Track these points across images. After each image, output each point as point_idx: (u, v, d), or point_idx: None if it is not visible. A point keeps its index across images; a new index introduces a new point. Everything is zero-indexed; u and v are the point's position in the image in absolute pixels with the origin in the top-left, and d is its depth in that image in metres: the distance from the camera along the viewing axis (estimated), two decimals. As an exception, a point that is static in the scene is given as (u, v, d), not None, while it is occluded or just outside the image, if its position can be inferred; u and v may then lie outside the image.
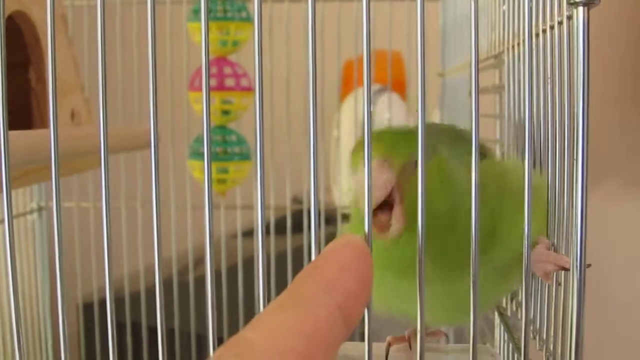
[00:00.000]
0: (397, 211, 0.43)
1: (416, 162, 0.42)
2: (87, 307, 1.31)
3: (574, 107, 0.35)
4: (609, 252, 1.21)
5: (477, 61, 0.36)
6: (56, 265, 1.16)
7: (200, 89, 1.04)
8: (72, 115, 0.81)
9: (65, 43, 0.83)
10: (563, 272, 0.45)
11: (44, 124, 0.76)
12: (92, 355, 1.26)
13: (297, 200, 1.27)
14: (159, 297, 0.40)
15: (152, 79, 0.38)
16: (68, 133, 0.71)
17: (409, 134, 0.45)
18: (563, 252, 0.46)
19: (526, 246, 0.37)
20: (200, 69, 1.07)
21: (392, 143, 0.44)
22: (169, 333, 1.26)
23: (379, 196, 0.41)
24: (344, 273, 0.32)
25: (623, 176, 1.23)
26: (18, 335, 0.41)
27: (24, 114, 0.76)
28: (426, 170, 0.42)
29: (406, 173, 0.43)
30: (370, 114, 0.36)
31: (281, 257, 1.18)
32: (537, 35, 0.48)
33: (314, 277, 0.32)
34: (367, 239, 0.36)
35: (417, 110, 0.37)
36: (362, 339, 0.37)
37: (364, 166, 0.36)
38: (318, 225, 0.37)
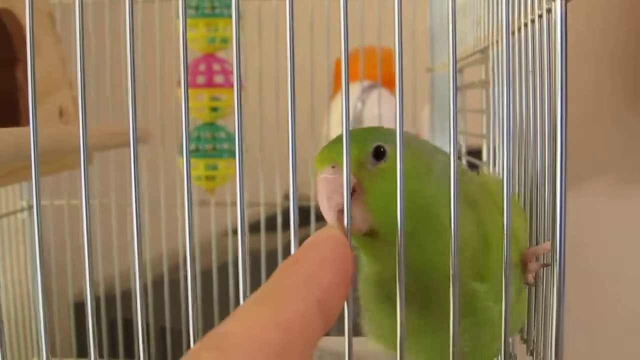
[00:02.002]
0: (357, 202, 0.41)
1: (376, 148, 0.42)
2: (79, 305, 1.31)
3: (553, 100, 0.35)
4: (601, 249, 1.21)
5: (455, 62, 0.36)
6: (50, 262, 1.15)
7: (190, 86, 1.04)
8: (60, 113, 0.81)
9: (53, 40, 0.83)
10: (544, 268, 0.45)
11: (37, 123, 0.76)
12: (84, 353, 1.26)
13: (288, 197, 1.27)
14: (139, 297, 0.40)
15: (130, 74, 0.38)
16: (56, 130, 0.71)
17: (358, 131, 0.45)
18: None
19: (506, 244, 0.37)
20: (188, 65, 1.07)
21: (337, 146, 0.42)
22: (161, 330, 1.26)
23: (339, 202, 0.39)
24: (323, 266, 0.32)
25: (615, 174, 1.23)
26: (1, 332, 0.41)
27: (11, 112, 0.76)
28: (391, 156, 0.42)
29: (364, 166, 0.42)
30: (348, 109, 0.37)
31: (272, 254, 1.18)
32: (519, 29, 0.48)
33: (293, 270, 0.32)
34: (347, 232, 0.36)
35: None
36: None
37: (343, 166, 0.36)
38: (299, 222, 0.37)
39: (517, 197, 0.51)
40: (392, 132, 0.44)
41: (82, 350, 1.26)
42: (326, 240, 0.34)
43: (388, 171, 0.41)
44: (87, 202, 0.39)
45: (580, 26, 1.18)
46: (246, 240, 0.39)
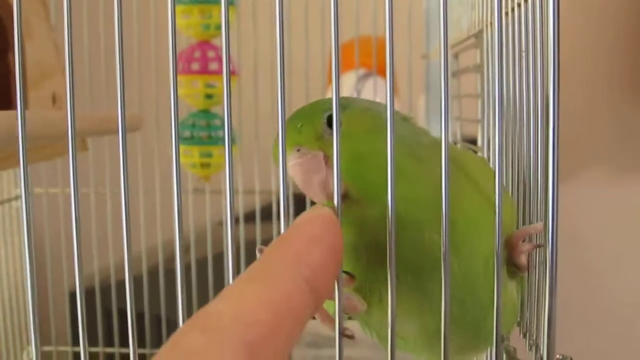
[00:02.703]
0: (329, 171, 0.41)
1: (329, 117, 0.42)
2: (75, 295, 1.30)
3: (546, 78, 0.35)
4: (598, 239, 1.21)
5: (447, 46, 0.36)
6: (45, 251, 1.14)
7: (185, 73, 1.04)
8: (54, 99, 0.80)
9: (46, 28, 0.82)
10: (537, 251, 0.45)
11: (25, 108, 0.76)
12: (79, 342, 1.25)
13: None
14: (128, 287, 0.39)
15: (119, 58, 0.37)
16: (48, 116, 0.71)
17: (307, 107, 0.45)
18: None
19: (497, 230, 0.36)
20: (183, 52, 1.06)
21: (291, 129, 0.43)
22: (156, 320, 1.26)
23: (320, 180, 0.41)
24: (312, 245, 0.32)
25: (612, 163, 1.23)
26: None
27: (4, 99, 0.76)
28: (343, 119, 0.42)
29: (322, 136, 0.42)
30: (337, 101, 0.36)
31: (267, 244, 1.17)
32: (512, 9, 0.48)
33: (282, 250, 0.32)
34: (337, 210, 0.35)
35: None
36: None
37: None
38: (295, 210, 0.36)
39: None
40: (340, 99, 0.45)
41: (78, 339, 1.25)
42: (315, 219, 0.33)
43: (344, 136, 0.41)
44: (76, 186, 0.39)
45: (578, 18, 1.18)
46: (232, 228, 0.38)
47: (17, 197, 1.19)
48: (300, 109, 0.45)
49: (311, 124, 0.42)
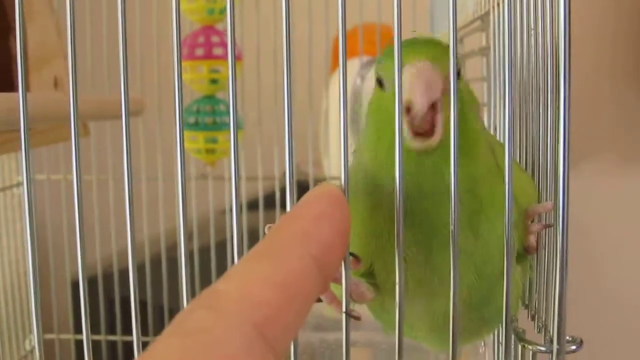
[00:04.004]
0: (439, 119, 0.38)
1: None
2: (77, 283, 1.30)
3: (556, 59, 0.34)
4: (602, 228, 1.21)
5: (456, 32, 0.35)
6: (47, 239, 1.13)
7: (188, 58, 1.03)
8: (55, 83, 0.80)
9: (48, 10, 0.81)
10: (546, 232, 0.44)
11: (27, 90, 0.75)
12: (82, 331, 1.25)
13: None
14: (132, 274, 0.39)
15: (122, 40, 0.37)
16: (51, 98, 0.70)
17: (438, 43, 0.41)
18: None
19: (508, 211, 0.36)
20: (187, 37, 1.05)
21: (436, 50, 0.39)
22: (159, 309, 1.26)
23: (434, 97, 0.37)
24: (320, 223, 0.31)
25: (616, 152, 1.22)
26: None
27: (6, 82, 0.75)
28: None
29: (447, 80, 0.38)
30: (345, 90, 0.36)
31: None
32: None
33: (289, 228, 0.31)
34: (344, 187, 0.35)
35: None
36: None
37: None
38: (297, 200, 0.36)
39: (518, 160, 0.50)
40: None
41: (80, 327, 1.25)
42: (322, 197, 0.33)
43: (460, 92, 0.38)
44: (78, 172, 0.38)
45: (581, 6, 1.17)
46: (237, 215, 0.38)
47: (19, 184, 1.18)
48: (429, 40, 0.41)
49: (445, 60, 0.37)
